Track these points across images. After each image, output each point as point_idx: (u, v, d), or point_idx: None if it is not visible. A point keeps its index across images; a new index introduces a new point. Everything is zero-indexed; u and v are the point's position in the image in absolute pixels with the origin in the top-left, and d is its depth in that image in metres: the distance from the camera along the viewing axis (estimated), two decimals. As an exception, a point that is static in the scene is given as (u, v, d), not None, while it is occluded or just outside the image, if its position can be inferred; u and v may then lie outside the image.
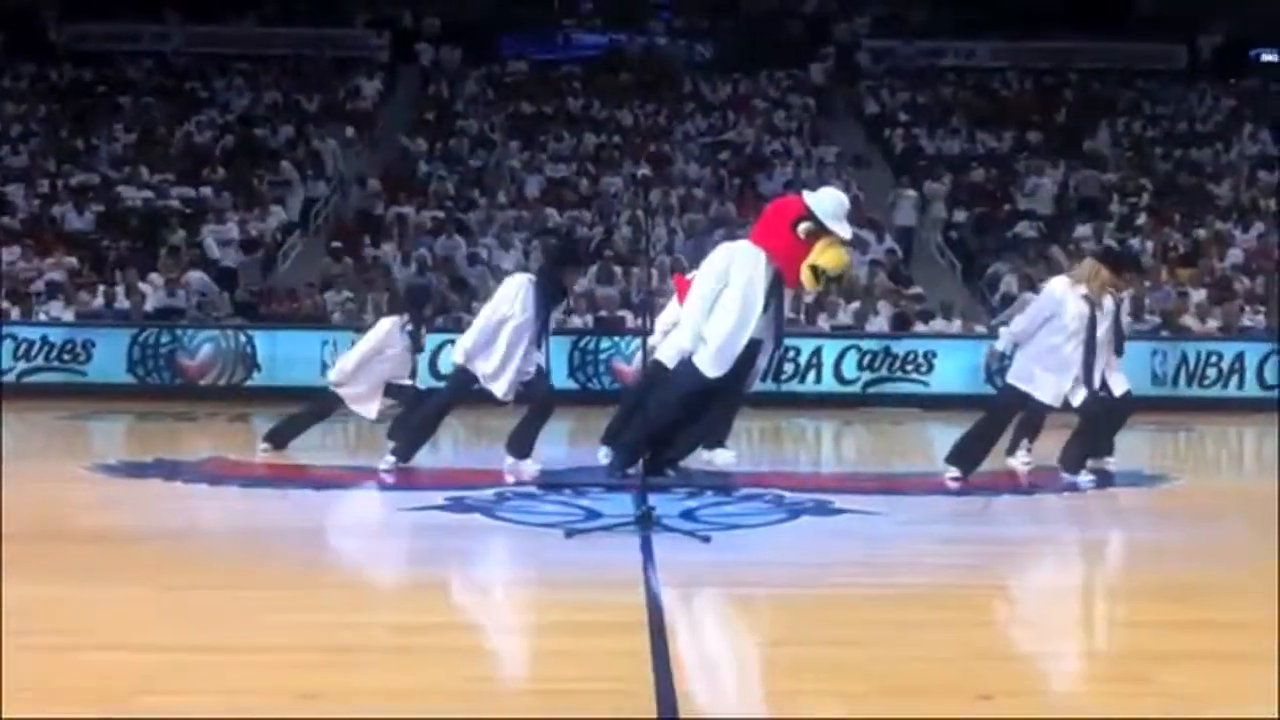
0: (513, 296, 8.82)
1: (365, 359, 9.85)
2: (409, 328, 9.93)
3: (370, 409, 9.90)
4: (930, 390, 15.65)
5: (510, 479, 8.67)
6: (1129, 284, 9.77)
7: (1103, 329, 9.08)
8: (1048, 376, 8.74)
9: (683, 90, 27.37)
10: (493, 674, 4.36)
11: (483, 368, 8.81)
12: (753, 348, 8.00)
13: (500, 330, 8.78)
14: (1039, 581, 6.28)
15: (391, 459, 8.92)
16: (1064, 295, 8.78)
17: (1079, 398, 8.77)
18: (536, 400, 9.11)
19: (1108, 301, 9.20)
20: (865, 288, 18.15)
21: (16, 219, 19.93)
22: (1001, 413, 9.05)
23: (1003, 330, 9.41)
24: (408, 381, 9.96)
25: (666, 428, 8.18)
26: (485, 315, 8.91)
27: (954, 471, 8.78)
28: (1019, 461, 9.65)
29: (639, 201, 19.49)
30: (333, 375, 10.04)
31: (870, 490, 8.54)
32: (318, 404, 10.24)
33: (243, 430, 12.44)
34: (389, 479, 8.71)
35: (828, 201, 7.99)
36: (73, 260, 18.30)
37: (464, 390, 9.04)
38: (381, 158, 23.99)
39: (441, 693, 4.19)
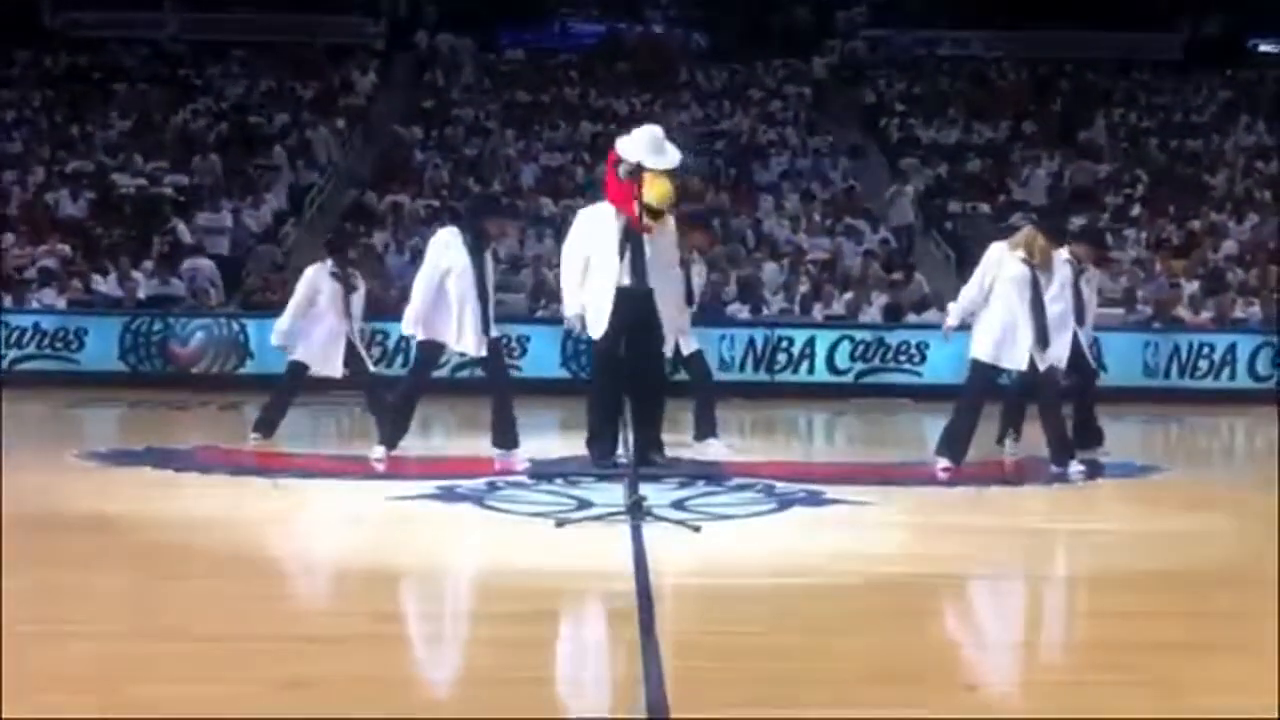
0: (444, 247, 8.71)
1: (299, 312, 10.06)
2: (334, 270, 10.10)
3: (333, 366, 10.05)
4: (923, 380, 15.64)
5: (498, 467, 8.66)
6: (1088, 257, 9.82)
7: (1058, 299, 9.16)
8: (1005, 341, 8.70)
9: (679, 79, 27.34)
10: (481, 663, 4.36)
11: (445, 332, 8.69)
12: (628, 298, 8.17)
13: (444, 285, 8.63)
14: (1028, 572, 6.29)
15: (380, 449, 8.91)
16: (1000, 258, 8.79)
17: (1043, 360, 8.76)
18: (495, 383, 9.04)
19: (1063, 270, 9.28)
20: (859, 278, 18.14)
21: (11, 206, 19.88)
22: (975, 393, 8.99)
23: (950, 306, 9.41)
24: (360, 350, 10.17)
25: (601, 403, 8.45)
26: (425, 275, 8.69)
27: (944, 462, 8.78)
28: (1006, 450, 9.68)
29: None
30: (273, 339, 10.25)
31: (862, 480, 8.53)
32: (285, 382, 10.33)
33: (234, 419, 12.44)
34: (380, 468, 8.70)
35: (636, 140, 8.22)
36: (66, 248, 18.27)
37: (433, 362, 9.00)
38: (376, 146, 23.95)
39: (428, 682, 4.20)
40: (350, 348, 10.06)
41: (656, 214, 8.21)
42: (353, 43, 27.88)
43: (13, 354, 15.53)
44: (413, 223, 19.90)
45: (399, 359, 14.17)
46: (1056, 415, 9.01)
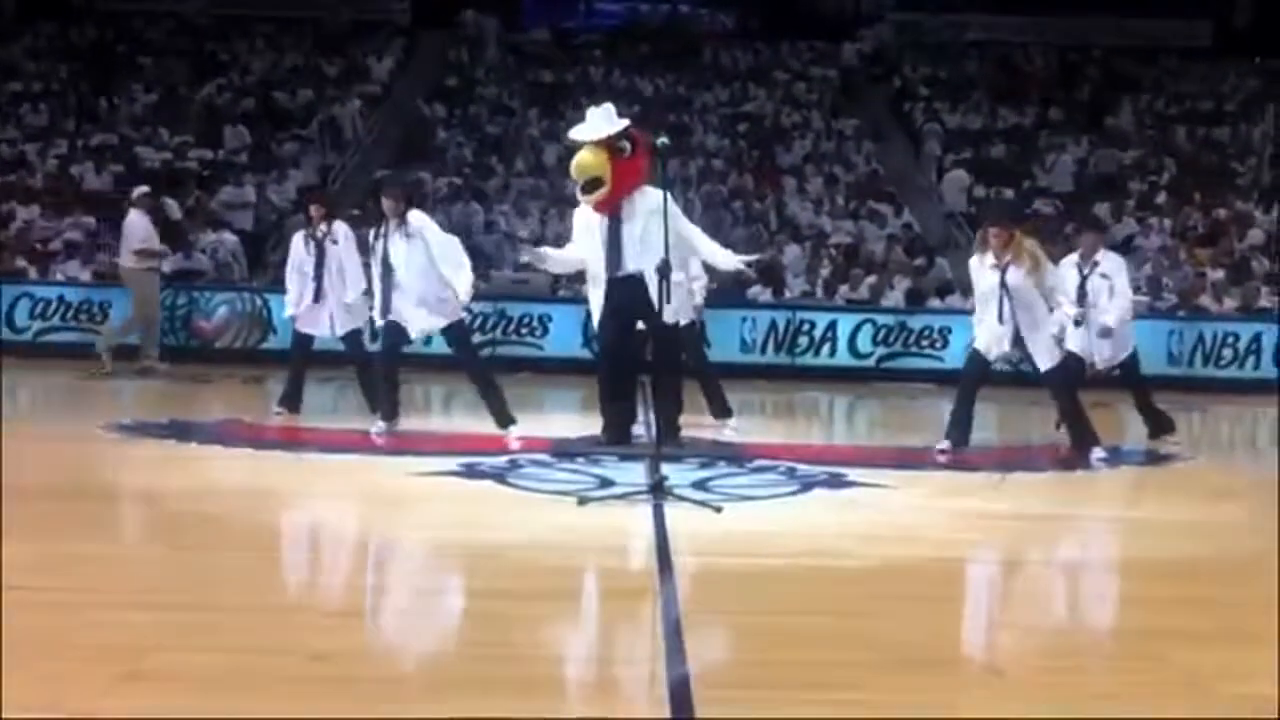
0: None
1: (289, 277, 10.32)
2: (305, 231, 10.33)
3: (320, 326, 10.20)
4: (944, 365, 15.56)
5: (515, 446, 8.68)
6: (1093, 248, 9.81)
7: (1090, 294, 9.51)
8: (980, 333, 8.99)
9: (703, 60, 27.26)
10: (503, 640, 4.37)
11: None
12: (613, 286, 8.24)
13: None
14: (1049, 557, 6.28)
15: (382, 424, 9.00)
16: (973, 264, 9.09)
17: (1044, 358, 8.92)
18: (466, 367, 9.25)
19: (1069, 272, 9.54)
20: (881, 262, 18.10)
21: (36, 178, 19.96)
22: (967, 380, 9.18)
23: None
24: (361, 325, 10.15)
25: (608, 392, 8.53)
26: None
27: (944, 444, 8.91)
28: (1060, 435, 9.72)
29: (656, 172, 19.38)
30: (288, 311, 10.45)
31: (882, 464, 8.53)
32: (296, 356, 10.44)
33: (257, 393, 12.48)
34: (379, 442, 8.79)
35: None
36: (91, 220, 18.32)
37: (391, 337, 9.06)
38: (400, 124, 23.95)
39: (452, 657, 4.22)
40: (346, 311, 10.12)
41: (587, 186, 8.18)
42: (378, 19, 27.84)
43: (38, 325, 15.63)
44: (435, 201, 19.91)
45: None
46: (1069, 403, 9.06)
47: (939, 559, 5.78)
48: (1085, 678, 4.08)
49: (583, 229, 8.47)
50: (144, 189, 14.33)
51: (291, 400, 10.16)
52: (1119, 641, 4.68)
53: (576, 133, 8.27)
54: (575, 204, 19.70)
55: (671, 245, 7.99)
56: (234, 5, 27.40)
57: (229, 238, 17.74)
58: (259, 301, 15.86)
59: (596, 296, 8.49)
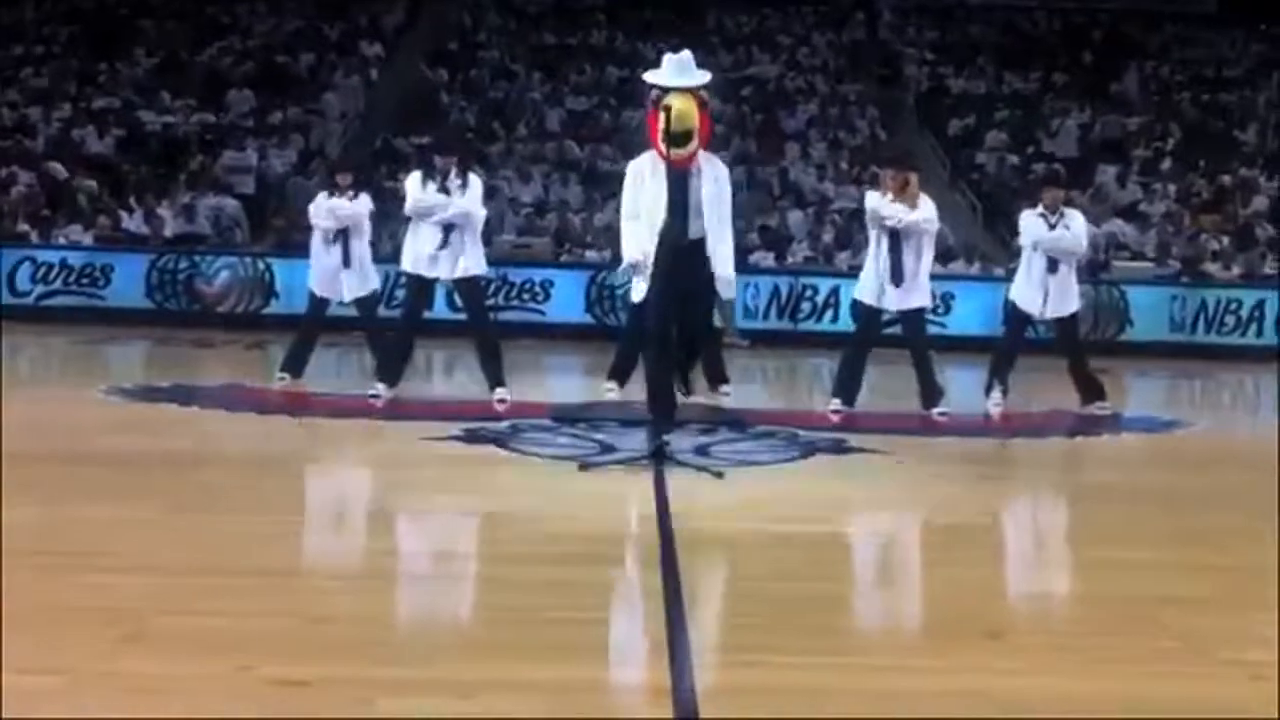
0: (408, 192, 8.99)
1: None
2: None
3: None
4: (947, 331, 15.54)
5: (500, 408, 8.69)
6: (1057, 202, 9.81)
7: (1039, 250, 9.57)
8: (867, 280, 9.20)
9: (707, 24, 27.12)
10: (503, 604, 4.38)
11: (412, 263, 8.96)
12: (670, 248, 7.45)
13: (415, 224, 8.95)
14: (1049, 523, 6.30)
15: (381, 385, 9.01)
16: (873, 203, 9.24)
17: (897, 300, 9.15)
18: (473, 325, 9.24)
19: (1035, 225, 9.64)
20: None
21: (37, 142, 19.91)
22: (856, 335, 9.56)
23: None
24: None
25: (655, 363, 7.97)
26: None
27: (836, 404, 9.15)
28: (991, 402, 9.57)
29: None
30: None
31: (884, 430, 8.53)
32: (309, 321, 10.32)
33: (260, 358, 12.48)
34: (378, 404, 8.80)
35: (661, 67, 7.74)
36: (92, 184, 18.30)
37: (423, 295, 9.12)
38: (402, 87, 23.86)
39: (453, 620, 4.23)
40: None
41: (680, 138, 7.63)
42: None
43: (40, 289, 15.63)
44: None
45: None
46: (924, 358, 9.29)
47: (938, 524, 5.79)
48: (1083, 642, 4.08)
49: (642, 186, 7.67)
50: None
51: (295, 364, 10.10)
52: (1117, 607, 4.68)
53: (668, 78, 7.57)
54: (577, 168, 19.68)
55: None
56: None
57: (230, 202, 17.73)
58: (261, 266, 15.85)
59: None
